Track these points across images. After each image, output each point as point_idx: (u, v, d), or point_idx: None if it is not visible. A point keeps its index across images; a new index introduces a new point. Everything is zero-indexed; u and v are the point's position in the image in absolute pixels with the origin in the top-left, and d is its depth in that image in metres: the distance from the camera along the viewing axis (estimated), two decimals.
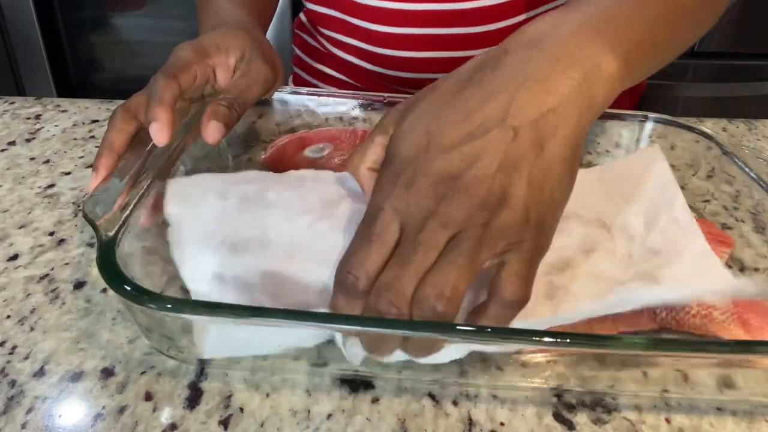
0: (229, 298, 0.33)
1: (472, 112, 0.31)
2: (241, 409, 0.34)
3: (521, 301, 0.30)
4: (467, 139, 0.31)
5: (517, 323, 0.31)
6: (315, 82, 0.78)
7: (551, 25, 0.34)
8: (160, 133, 0.40)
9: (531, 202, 0.30)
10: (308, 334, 0.34)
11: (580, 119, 0.32)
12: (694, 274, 0.37)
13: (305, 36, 0.79)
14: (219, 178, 0.40)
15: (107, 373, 0.35)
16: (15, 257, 0.44)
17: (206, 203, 0.37)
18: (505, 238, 0.30)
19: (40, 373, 0.35)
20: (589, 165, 0.58)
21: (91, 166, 0.55)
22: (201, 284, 0.34)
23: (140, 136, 0.45)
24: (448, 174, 0.30)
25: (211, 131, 0.43)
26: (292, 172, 0.42)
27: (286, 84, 0.70)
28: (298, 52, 0.80)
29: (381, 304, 0.29)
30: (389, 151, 0.33)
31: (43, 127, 0.61)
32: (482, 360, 0.35)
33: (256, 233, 0.36)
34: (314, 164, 0.51)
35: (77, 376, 0.35)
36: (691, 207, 0.52)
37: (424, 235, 0.30)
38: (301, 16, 0.80)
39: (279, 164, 0.52)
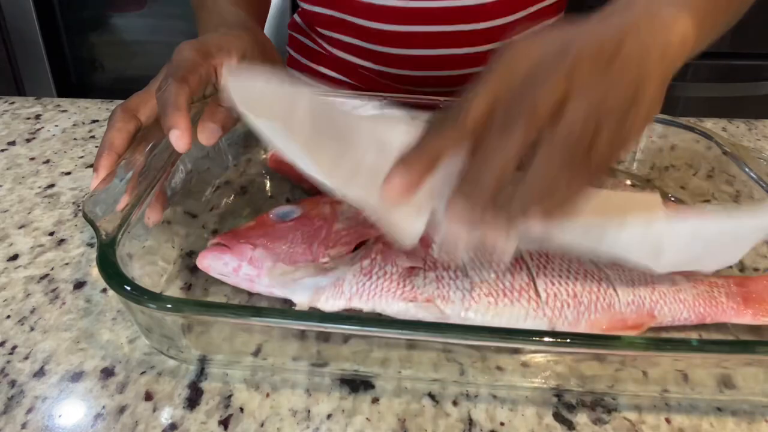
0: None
1: (606, 24, 0.32)
2: (241, 409, 0.34)
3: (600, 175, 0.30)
4: (609, 40, 0.31)
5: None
6: (310, 81, 0.78)
7: None
8: (181, 140, 0.40)
9: (653, 106, 0.31)
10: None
11: (672, 65, 0.34)
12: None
13: (300, 37, 0.79)
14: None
15: (107, 373, 0.35)
16: (15, 257, 0.44)
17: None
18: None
19: (40, 373, 0.35)
20: None
21: (91, 166, 0.55)
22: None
23: (140, 136, 0.45)
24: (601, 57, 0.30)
25: (207, 134, 0.43)
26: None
27: None
28: (293, 53, 0.80)
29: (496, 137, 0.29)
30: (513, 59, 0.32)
31: (43, 127, 0.61)
32: (482, 360, 0.35)
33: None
34: None
35: (77, 376, 0.35)
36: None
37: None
38: (295, 17, 0.80)
39: (281, 164, 0.52)
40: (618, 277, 0.39)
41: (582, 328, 0.37)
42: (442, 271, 0.38)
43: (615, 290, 0.38)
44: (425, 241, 0.38)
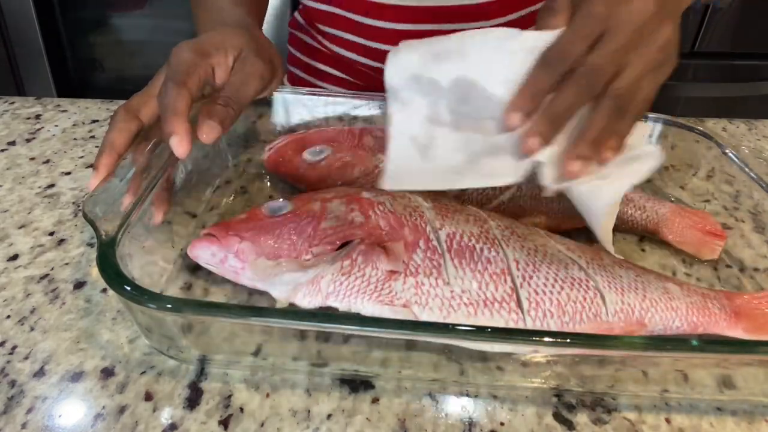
0: (416, 100, 0.35)
1: None
2: (241, 409, 0.34)
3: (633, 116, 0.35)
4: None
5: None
6: (312, 80, 0.78)
7: None
8: (180, 146, 0.40)
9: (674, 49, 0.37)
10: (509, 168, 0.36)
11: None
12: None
13: (301, 35, 0.79)
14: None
15: (107, 373, 0.35)
16: (15, 257, 0.44)
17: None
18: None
19: (40, 373, 0.35)
20: None
21: (91, 166, 0.55)
22: (397, 79, 0.35)
23: (142, 136, 0.45)
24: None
25: (206, 130, 0.43)
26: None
27: (282, 83, 0.69)
28: (294, 51, 0.80)
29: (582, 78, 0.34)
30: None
31: (43, 127, 0.61)
32: (482, 360, 0.35)
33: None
34: (314, 168, 0.50)
35: (77, 376, 0.35)
36: (691, 207, 0.52)
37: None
38: (297, 15, 0.80)
39: (278, 166, 0.52)
40: (607, 284, 0.38)
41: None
42: (423, 278, 0.37)
43: (603, 298, 0.37)
44: (409, 246, 0.38)
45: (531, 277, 0.37)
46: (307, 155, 0.51)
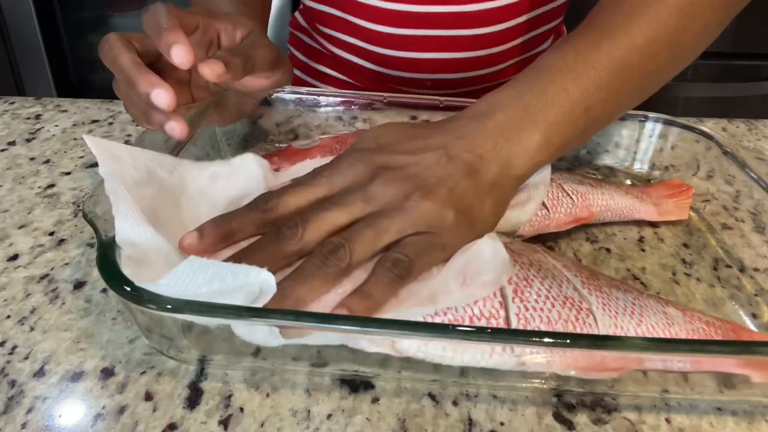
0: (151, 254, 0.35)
1: (420, 138, 0.40)
2: (241, 409, 0.34)
3: (401, 273, 0.33)
4: (412, 150, 0.38)
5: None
6: (312, 81, 0.78)
7: (490, 105, 0.41)
8: (185, 55, 0.37)
9: (451, 206, 0.36)
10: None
11: (500, 170, 0.39)
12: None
13: (301, 35, 0.79)
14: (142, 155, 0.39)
15: (107, 373, 0.35)
16: (15, 257, 0.44)
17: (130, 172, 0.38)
18: (414, 226, 0.35)
19: (40, 373, 0.35)
20: (589, 163, 0.58)
21: (91, 166, 0.55)
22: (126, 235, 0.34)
23: (141, 137, 0.44)
24: (388, 166, 0.37)
25: (210, 63, 0.39)
26: (206, 166, 0.41)
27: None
28: (294, 52, 0.80)
29: (286, 228, 0.34)
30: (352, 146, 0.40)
31: (43, 127, 0.61)
32: None
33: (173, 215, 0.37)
34: None
35: (77, 376, 0.35)
36: (691, 207, 0.52)
37: (347, 198, 0.35)
38: (297, 15, 0.80)
39: None
40: (601, 306, 0.36)
41: (555, 368, 0.34)
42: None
43: (595, 320, 0.35)
44: None
45: (522, 293, 0.35)
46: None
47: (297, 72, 0.80)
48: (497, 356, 0.33)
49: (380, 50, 0.68)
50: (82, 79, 1.66)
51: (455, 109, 0.58)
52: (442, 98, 0.56)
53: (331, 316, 0.32)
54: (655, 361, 0.35)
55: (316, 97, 0.58)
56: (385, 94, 0.57)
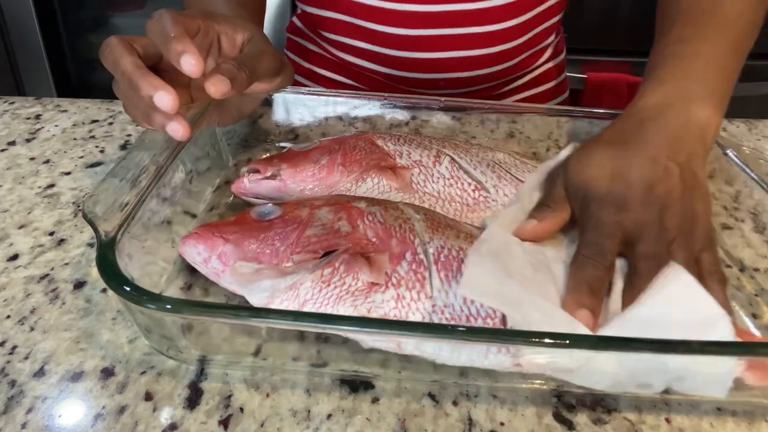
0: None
1: (646, 157, 0.41)
2: (241, 409, 0.34)
3: (724, 278, 0.38)
4: (655, 177, 0.40)
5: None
6: (312, 85, 0.77)
7: (670, 98, 0.45)
8: (196, 64, 0.37)
9: (707, 215, 0.41)
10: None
11: (704, 156, 0.44)
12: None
13: (300, 40, 0.78)
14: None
15: (107, 373, 0.35)
16: (15, 257, 0.44)
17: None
18: (699, 244, 0.39)
19: (40, 373, 0.35)
20: None
21: (91, 166, 0.55)
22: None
23: (142, 137, 0.44)
24: (656, 199, 0.39)
25: (216, 82, 0.39)
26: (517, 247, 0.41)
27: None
28: (293, 57, 0.80)
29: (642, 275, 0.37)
30: (582, 194, 0.41)
31: (43, 127, 0.61)
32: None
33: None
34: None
35: (77, 376, 0.35)
36: None
37: (650, 248, 0.38)
38: (295, 20, 0.79)
39: (246, 192, 0.49)
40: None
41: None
42: (405, 291, 0.36)
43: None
44: (395, 257, 0.37)
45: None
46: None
47: (297, 77, 0.79)
48: (492, 356, 0.34)
49: (393, 52, 0.67)
50: (82, 79, 1.66)
51: (455, 109, 0.59)
52: (442, 98, 0.56)
53: (331, 317, 0.32)
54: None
55: (316, 97, 0.58)
56: (386, 94, 0.57)
